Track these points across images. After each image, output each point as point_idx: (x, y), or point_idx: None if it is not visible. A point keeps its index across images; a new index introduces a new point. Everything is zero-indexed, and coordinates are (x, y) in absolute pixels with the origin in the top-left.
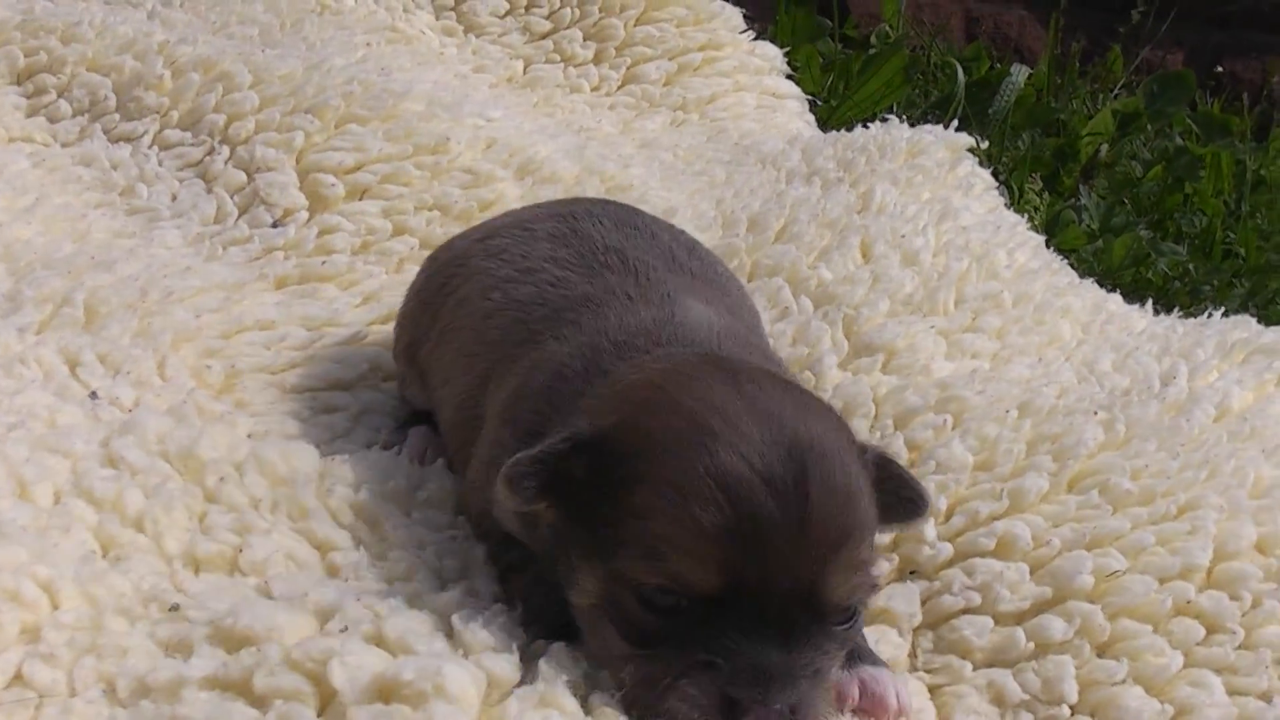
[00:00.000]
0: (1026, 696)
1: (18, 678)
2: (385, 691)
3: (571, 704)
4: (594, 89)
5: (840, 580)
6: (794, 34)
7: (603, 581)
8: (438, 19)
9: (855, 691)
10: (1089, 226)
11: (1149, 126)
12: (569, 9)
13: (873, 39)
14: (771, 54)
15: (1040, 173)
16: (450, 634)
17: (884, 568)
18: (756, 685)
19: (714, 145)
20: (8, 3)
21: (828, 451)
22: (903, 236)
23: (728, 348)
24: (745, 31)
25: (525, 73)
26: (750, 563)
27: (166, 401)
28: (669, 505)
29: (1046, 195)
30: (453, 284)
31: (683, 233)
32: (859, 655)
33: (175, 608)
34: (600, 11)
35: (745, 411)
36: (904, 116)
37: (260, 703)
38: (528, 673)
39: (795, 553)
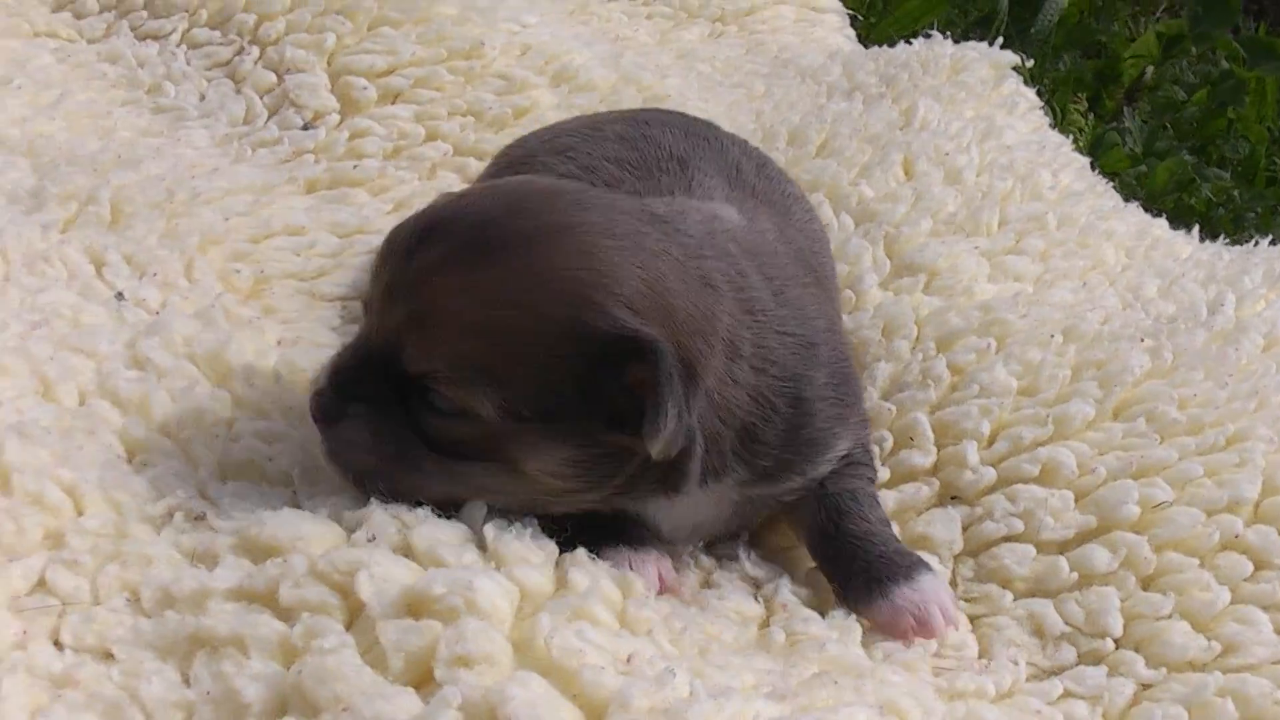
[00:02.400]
0: (1068, 628)
1: (41, 584)
2: (414, 605)
3: (605, 615)
4: None
5: (415, 353)
6: None
7: None
8: None
9: (907, 625)
10: (1132, 150)
11: (1193, 49)
12: None
13: None
14: None
15: (1079, 93)
16: (481, 545)
17: (883, 475)
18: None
19: (752, 58)
20: None
21: (490, 250)
22: (946, 154)
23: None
24: None
25: None
26: (367, 316)
27: (193, 305)
28: None
29: (1091, 117)
30: None
31: (756, 150)
32: (891, 572)
33: (201, 516)
34: None
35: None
36: (945, 34)
37: (287, 615)
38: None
39: (383, 312)
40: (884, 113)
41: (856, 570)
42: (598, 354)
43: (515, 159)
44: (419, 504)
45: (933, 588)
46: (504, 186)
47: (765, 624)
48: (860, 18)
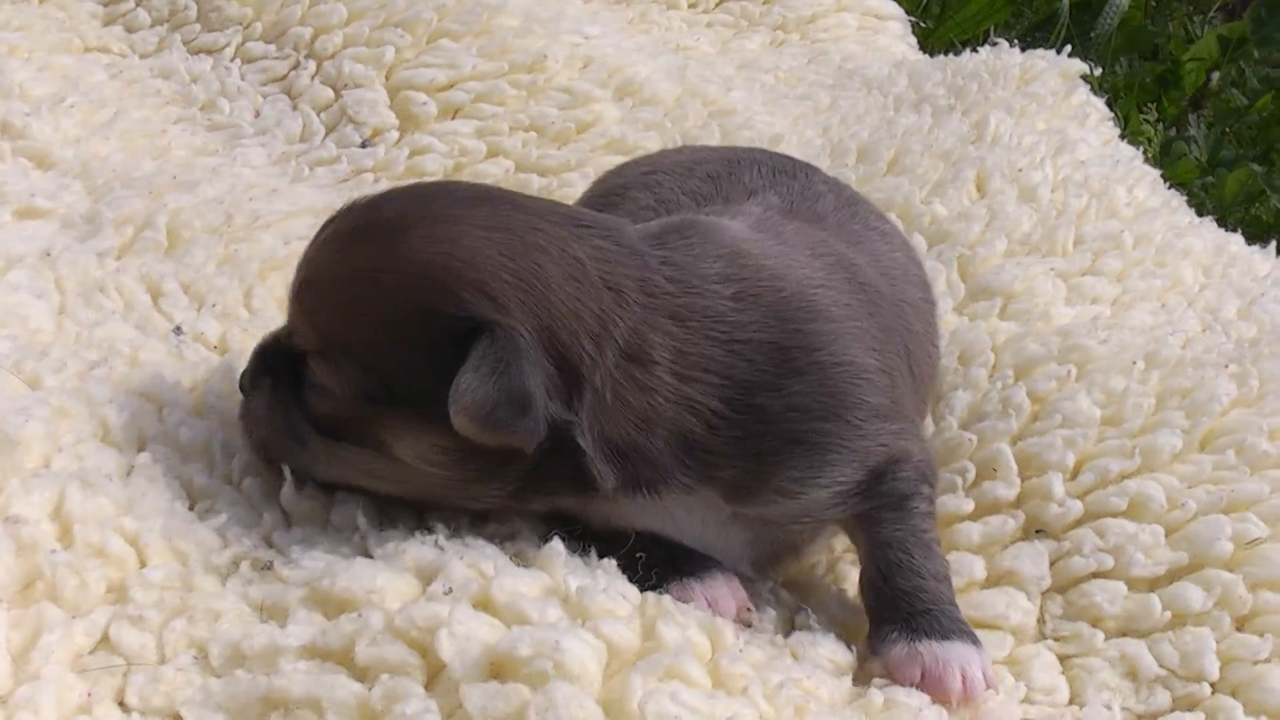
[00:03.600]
0: (1163, 671)
1: (104, 641)
2: (498, 666)
3: (698, 672)
4: (691, 6)
5: (298, 328)
6: None
7: None
8: None
9: (915, 674)
10: (1198, 160)
11: (1255, 53)
12: None
13: None
14: None
15: (1142, 100)
16: (562, 595)
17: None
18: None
19: (816, 68)
20: None
21: (387, 247)
22: (1019, 170)
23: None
24: None
25: None
26: None
27: (254, 338)
28: None
29: (1160, 126)
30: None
31: (851, 192)
32: (929, 628)
33: (268, 566)
34: None
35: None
36: (1010, 42)
37: (364, 674)
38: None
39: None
40: (954, 126)
41: (898, 619)
42: (446, 338)
43: (610, 187)
44: (494, 560)
45: (962, 651)
46: (422, 183)
47: (857, 676)
48: (916, 20)
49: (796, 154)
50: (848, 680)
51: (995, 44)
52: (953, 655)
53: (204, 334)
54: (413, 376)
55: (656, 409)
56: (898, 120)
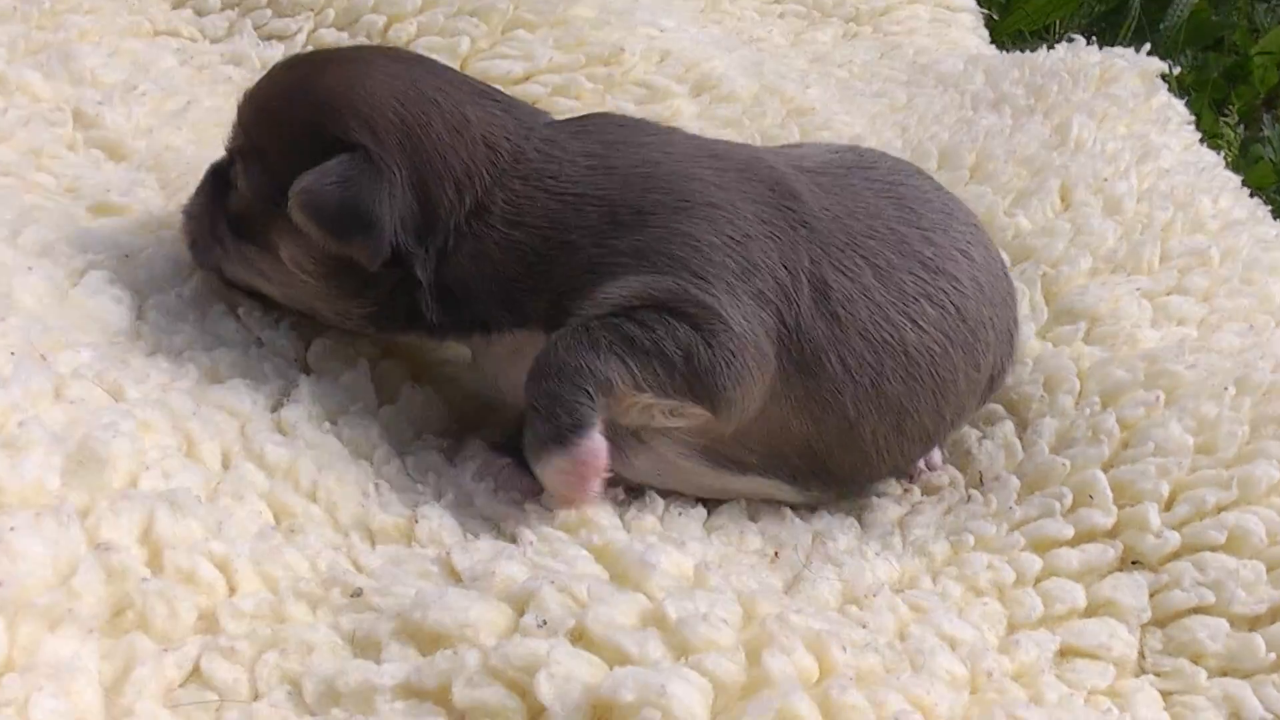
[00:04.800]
0: (1269, 715)
1: (196, 673)
2: (601, 711)
3: (808, 708)
4: None
5: (233, 132)
6: None
7: None
8: None
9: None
10: (1273, 162)
11: None
12: None
13: None
14: None
15: (1214, 98)
16: (660, 623)
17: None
18: None
19: (889, 62)
20: None
21: (308, 73)
22: (1104, 180)
23: None
24: None
25: None
26: None
27: (332, 356)
28: None
29: (1242, 128)
30: None
31: (949, 200)
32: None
33: (358, 593)
34: None
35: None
36: (1076, 30)
37: (462, 717)
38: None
39: None
40: (1036, 130)
41: None
42: (327, 154)
43: None
44: (586, 583)
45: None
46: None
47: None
48: (990, 15)
49: None
50: (966, 694)
51: (1072, 40)
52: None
53: (283, 347)
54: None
55: (485, 253)
56: (977, 121)
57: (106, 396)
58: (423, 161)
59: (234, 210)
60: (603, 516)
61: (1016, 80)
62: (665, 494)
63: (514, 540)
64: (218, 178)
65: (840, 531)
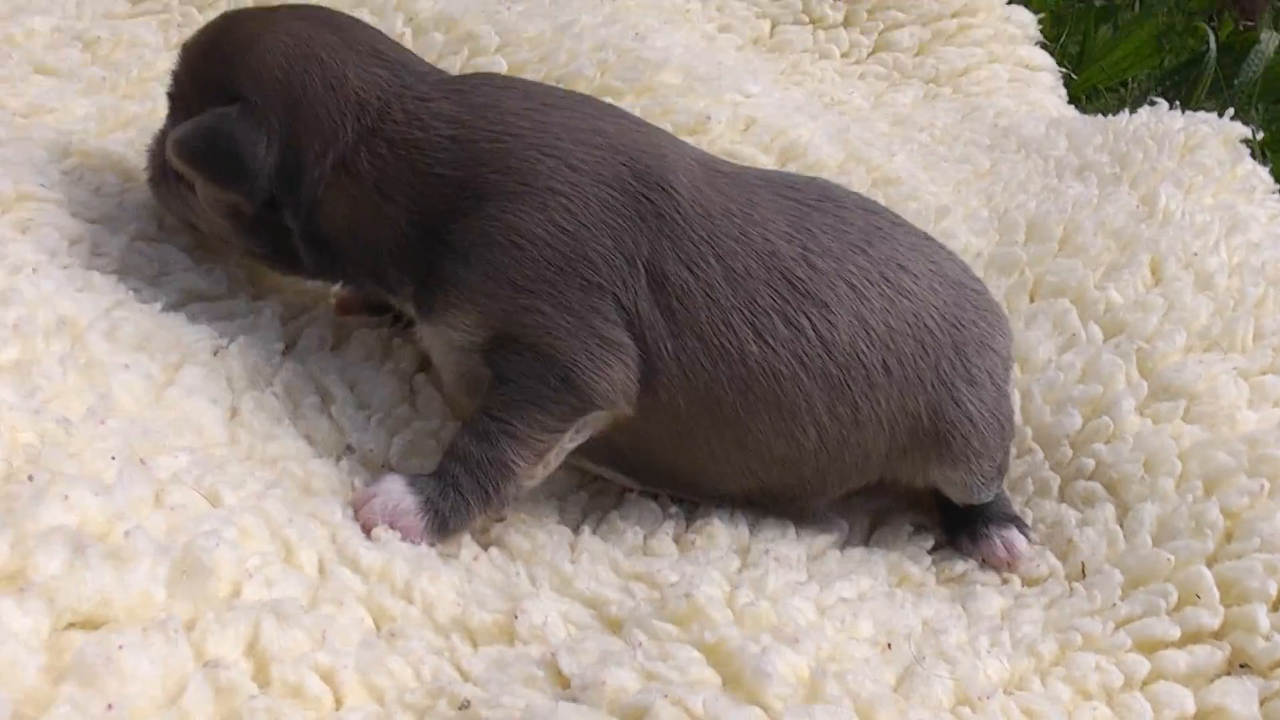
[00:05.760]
0: None
1: None
2: None
3: None
4: (843, 55)
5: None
6: None
7: None
8: None
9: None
10: None
11: None
12: None
13: None
14: (1026, 20)
15: None
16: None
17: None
18: None
19: (970, 125)
20: None
21: (223, 30)
22: (1194, 254)
23: None
24: None
25: (772, 35)
26: None
27: (417, 451)
28: None
29: None
30: None
31: (899, 247)
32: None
33: (466, 705)
34: None
35: None
36: (1150, 85)
37: None
38: None
39: None
40: (1123, 200)
41: None
42: (219, 103)
43: None
44: (701, 695)
45: (385, 489)
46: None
47: None
48: (1069, 73)
49: (963, 228)
50: None
51: (1154, 103)
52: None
53: (372, 451)
54: None
55: (358, 217)
56: (1063, 190)
57: (205, 503)
58: (296, 116)
59: (166, 156)
60: (714, 608)
61: (1100, 146)
62: (776, 562)
63: (618, 628)
64: (170, 120)
65: (950, 621)
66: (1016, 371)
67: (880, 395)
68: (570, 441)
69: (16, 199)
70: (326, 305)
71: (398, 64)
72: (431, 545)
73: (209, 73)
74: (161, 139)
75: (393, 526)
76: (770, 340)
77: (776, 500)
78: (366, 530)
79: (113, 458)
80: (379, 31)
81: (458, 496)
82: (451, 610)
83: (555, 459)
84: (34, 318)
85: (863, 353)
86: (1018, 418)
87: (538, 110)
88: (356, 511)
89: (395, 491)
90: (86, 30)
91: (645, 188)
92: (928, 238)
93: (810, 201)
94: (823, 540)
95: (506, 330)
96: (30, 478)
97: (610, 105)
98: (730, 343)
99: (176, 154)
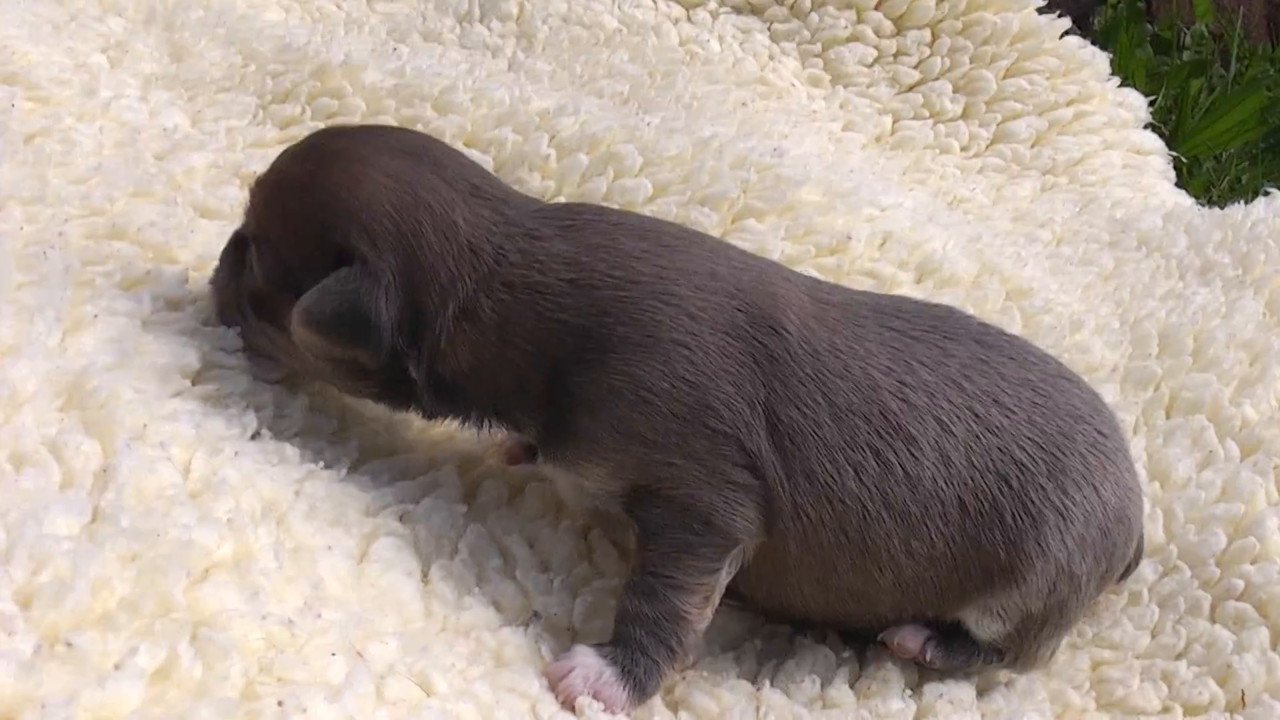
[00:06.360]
0: None
1: None
2: None
3: None
4: (963, 150)
5: (248, 213)
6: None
7: None
8: (804, 67)
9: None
10: None
11: None
12: (939, 58)
13: (1187, 41)
14: (1136, 104)
15: None
16: None
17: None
18: None
19: (1088, 219)
20: (381, 66)
21: (314, 169)
22: None
23: None
24: (1111, 79)
25: (893, 131)
26: None
27: (602, 612)
28: None
29: None
30: None
31: (1009, 380)
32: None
33: None
34: (971, 62)
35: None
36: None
37: None
38: None
39: None
40: (1249, 307)
41: None
42: (330, 256)
43: None
44: None
45: (580, 662)
46: (383, 126)
47: None
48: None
49: (1097, 341)
50: None
51: (1269, 194)
52: (571, 661)
53: (556, 616)
54: (305, 276)
55: (481, 361)
56: (1189, 296)
57: (420, 691)
58: (414, 268)
59: (250, 289)
60: None
61: (1220, 244)
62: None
63: None
64: (237, 252)
65: None
66: (1158, 490)
67: (955, 532)
68: (726, 576)
69: (203, 369)
70: (497, 452)
71: (498, 200)
72: (629, 715)
73: (306, 219)
74: (228, 279)
75: (596, 698)
76: (864, 478)
77: (853, 632)
78: (568, 704)
79: (333, 654)
80: (466, 159)
81: (648, 660)
82: None
83: (717, 597)
84: (242, 507)
85: (942, 489)
86: (1159, 535)
87: (654, 253)
88: (554, 684)
89: (591, 664)
90: (241, 164)
91: (758, 332)
92: (1054, 373)
93: (916, 333)
94: (986, 675)
95: (641, 483)
96: (280, 703)
97: (718, 241)
98: (834, 481)
99: (305, 324)
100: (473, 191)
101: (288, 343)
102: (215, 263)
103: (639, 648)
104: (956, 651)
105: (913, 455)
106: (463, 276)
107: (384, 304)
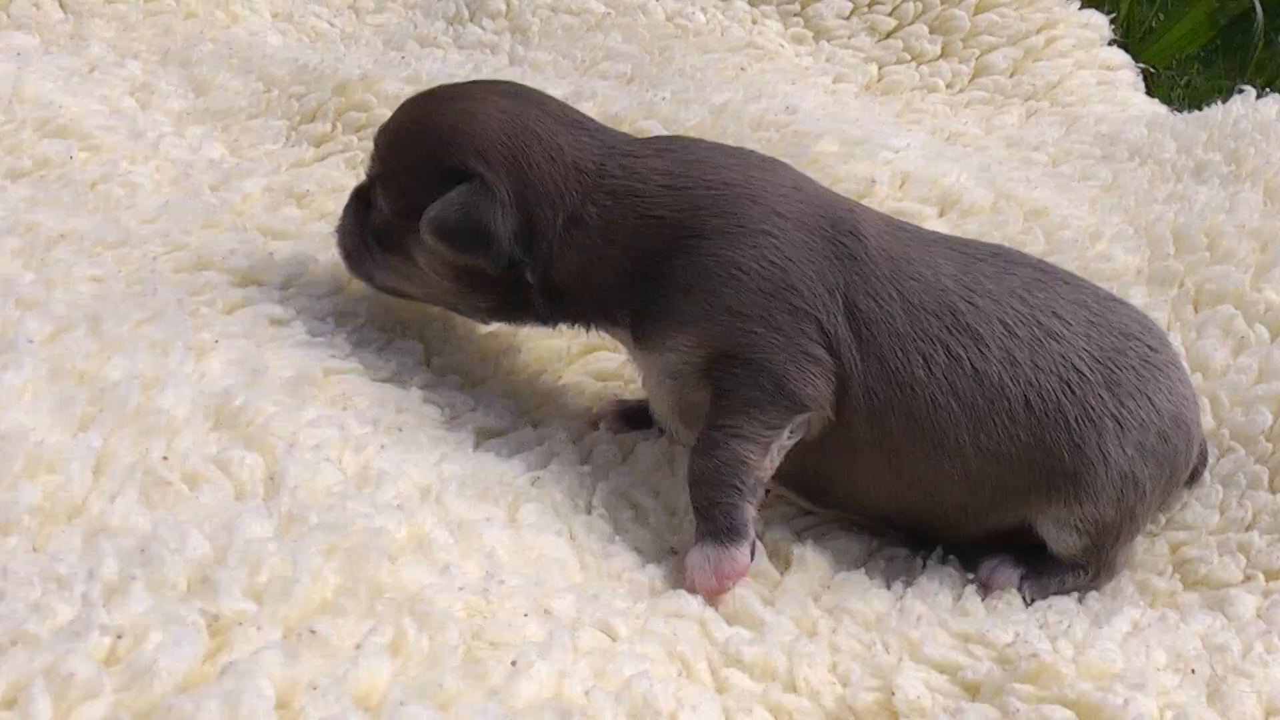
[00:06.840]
0: None
1: None
2: None
3: None
4: (948, 87)
5: (372, 158)
6: None
7: None
8: (786, 27)
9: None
10: None
11: None
12: (911, 3)
13: None
14: (1099, 23)
15: None
16: None
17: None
18: None
19: (1077, 138)
20: (395, 74)
21: (430, 110)
22: None
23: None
24: (1072, 1)
25: (880, 78)
26: None
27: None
28: None
29: None
30: None
31: (1069, 302)
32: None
33: None
34: (942, 3)
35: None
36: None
37: None
38: None
39: None
40: (1250, 199)
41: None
42: (450, 180)
43: None
44: None
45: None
46: (492, 80)
47: None
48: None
49: (1117, 249)
50: None
51: (1241, 90)
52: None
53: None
54: (428, 203)
55: (588, 263)
56: (1190, 196)
57: (606, 638)
58: (525, 185)
59: (377, 226)
60: (1062, 664)
61: (1208, 144)
62: (1060, 613)
63: (975, 692)
64: (360, 199)
65: (1223, 634)
66: (1200, 380)
67: (1021, 430)
68: (788, 439)
69: (324, 375)
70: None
71: (597, 130)
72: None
73: (426, 151)
74: (356, 220)
75: (725, 578)
76: (933, 368)
77: (916, 528)
78: (713, 599)
79: (525, 615)
80: (567, 104)
81: (722, 509)
82: (835, 693)
83: (778, 455)
84: (404, 494)
85: (1008, 386)
86: (1209, 421)
87: (744, 167)
88: (693, 587)
89: (695, 558)
90: (291, 184)
91: (839, 233)
92: (1105, 297)
93: (980, 256)
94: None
95: (723, 349)
96: (513, 663)
97: (801, 172)
98: (903, 367)
99: (436, 234)
100: (574, 124)
101: (413, 270)
102: (300, 280)
103: (711, 504)
104: (1047, 581)
105: (980, 352)
106: (569, 191)
107: (500, 214)
